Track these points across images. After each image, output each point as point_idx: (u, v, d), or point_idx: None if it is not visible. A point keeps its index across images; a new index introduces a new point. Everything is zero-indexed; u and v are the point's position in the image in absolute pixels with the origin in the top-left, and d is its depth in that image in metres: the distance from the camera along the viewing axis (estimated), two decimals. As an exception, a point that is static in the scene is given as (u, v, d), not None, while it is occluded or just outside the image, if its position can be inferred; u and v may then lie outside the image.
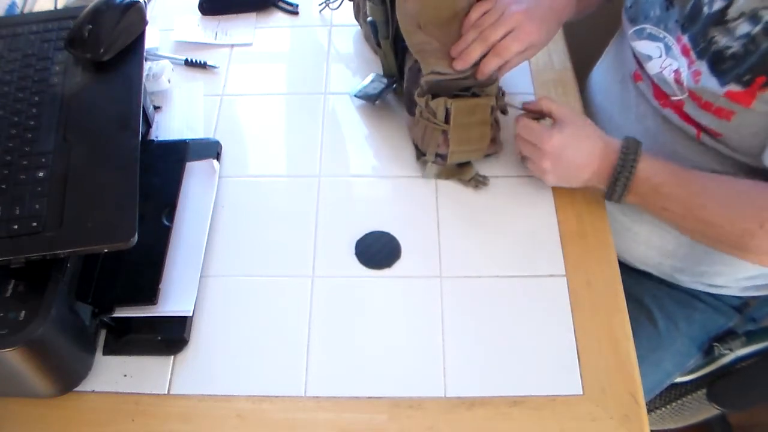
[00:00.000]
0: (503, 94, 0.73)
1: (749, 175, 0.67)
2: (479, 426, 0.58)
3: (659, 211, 0.66)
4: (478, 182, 0.73)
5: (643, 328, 0.82)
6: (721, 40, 0.63)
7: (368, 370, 0.61)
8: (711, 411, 0.98)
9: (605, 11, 0.84)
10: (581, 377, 0.60)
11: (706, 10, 0.64)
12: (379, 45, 0.77)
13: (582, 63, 0.90)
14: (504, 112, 0.74)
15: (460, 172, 0.74)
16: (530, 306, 0.65)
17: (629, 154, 0.65)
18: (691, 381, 0.95)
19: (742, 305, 0.84)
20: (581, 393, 0.59)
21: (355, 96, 0.81)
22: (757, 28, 0.59)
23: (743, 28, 0.61)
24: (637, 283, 0.83)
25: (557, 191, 0.73)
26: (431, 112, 0.68)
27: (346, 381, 0.61)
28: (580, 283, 0.66)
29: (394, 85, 0.80)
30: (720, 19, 0.63)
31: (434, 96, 0.68)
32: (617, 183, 0.66)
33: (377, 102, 0.80)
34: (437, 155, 0.72)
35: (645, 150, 0.66)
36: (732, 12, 0.62)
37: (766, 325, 0.87)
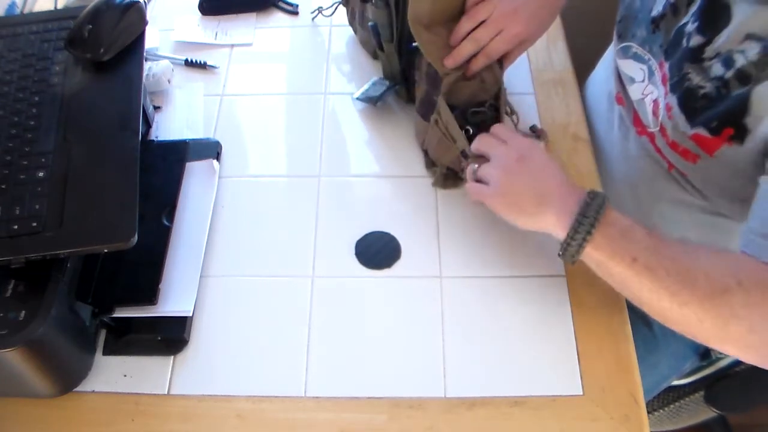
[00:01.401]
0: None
1: (712, 216, 0.67)
2: (479, 426, 0.58)
3: (629, 263, 0.53)
4: None
5: (639, 331, 0.82)
6: (695, 78, 0.60)
7: (368, 370, 0.61)
8: (709, 413, 0.98)
9: (606, 16, 0.84)
10: (581, 377, 0.60)
11: (684, 43, 0.62)
12: (381, 48, 0.77)
13: (582, 66, 0.90)
14: (508, 113, 0.74)
15: None
16: (530, 306, 0.65)
17: (596, 194, 0.56)
18: (688, 384, 0.95)
19: None
20: (581, 393, 0.59)
21: (357, 99, 0.81)
22: (730, 73, 0.57)
23: (716, 69, 0.59)
24: None
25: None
26: (450, 138, 0.68)
27: (346, 381, 0.61)
28: (580, 283, 0.66)
29: (396, 87, 0.80)
30: (697, 56, 0.60)
31: (452, 108, 0.67)
32: (583, 220, 0.54)
33: (378, 104, 0.80)
34: (449, 169, 0.72)
35: (624, 174, 0.64)
36: (709, 51, 0.59)
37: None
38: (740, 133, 0.57)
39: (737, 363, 0.89)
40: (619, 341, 0.62)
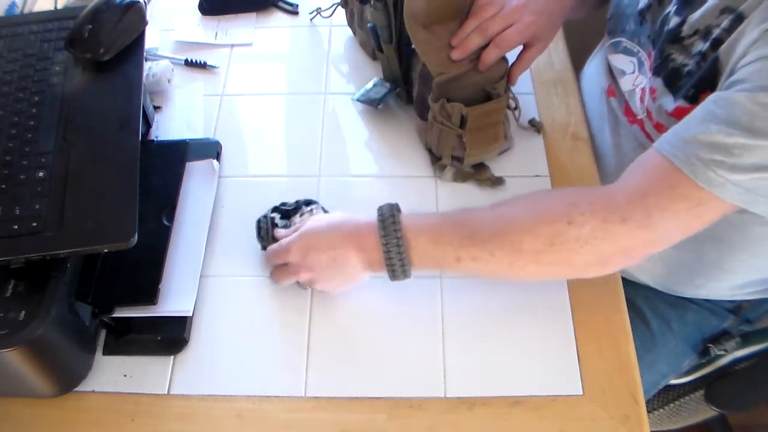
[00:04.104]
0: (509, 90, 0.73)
1: None
2: (479, 426, 0.58)
3: (454, 264, 0.58)
4: (495, 182, 0.73)
5: (636, 330, 0.81)
6: (678, 58, 0.61)
7: (368, 370, 0.61)
8: (709, 412, 0.98)
9: (599, 14, 0.84)
10: (581, 377, 0.60)
11: (666, 27, 0.63)
12: (380, 50, 0.77)
13: (576, 64, 0.90)
14: (510, 107, 0.74)
15: (477, 173, 0.74)
16: (530, 306, 0.65)
17: (386, 216, 0.59)
18: (688, 382, 0.95)
19: (735, 307, 0.84)
20: (581, 393, 0.59)
21: (357, 100, 0.80)
22: (707, 45, 0.58)
23: (697, 45, 0.59)
24: (629, 284, 0.83)
25: (557, 191, 0.73)
26: (446, 116, 0.68)
27: (346, 381, 0.61)
28: (580, 283, 0.66)
29: (397, 89, 0.80)
30: (676, 36, 0.62)
31: (449, 100, 0.67)
32: (391, 255, 0.57)
33: (380, 106, 0.80)
34: (453, 158, 0.72)
35: (615, 166, 0.63)
36: (686, 29, 0.61)
37: (761, 327, 0.87)
38: None
39: (737, 361, 0.89)
40: (619, 341, 0.62)
